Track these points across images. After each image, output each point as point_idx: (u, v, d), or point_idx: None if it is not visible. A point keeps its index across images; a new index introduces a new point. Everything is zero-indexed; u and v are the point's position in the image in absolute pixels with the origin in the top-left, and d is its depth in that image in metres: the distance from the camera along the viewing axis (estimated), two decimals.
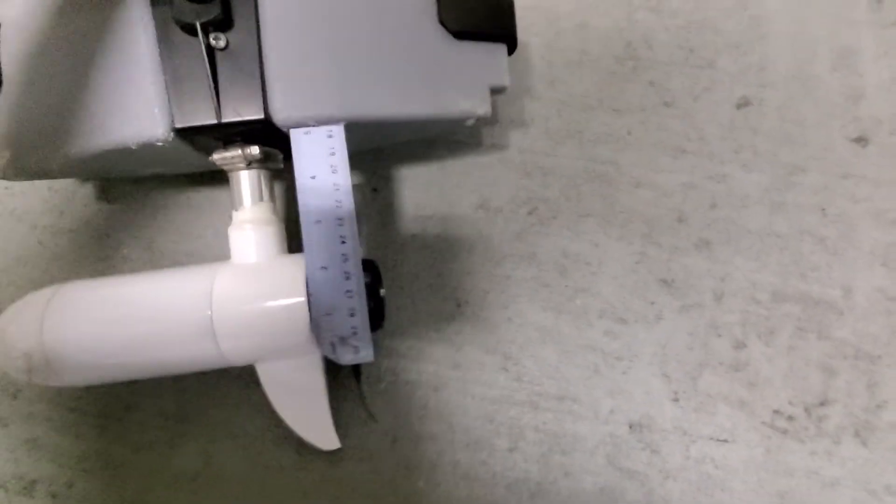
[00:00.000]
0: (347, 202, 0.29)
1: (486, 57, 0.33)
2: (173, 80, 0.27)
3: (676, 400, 0.37)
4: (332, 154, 0.29)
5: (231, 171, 0.32)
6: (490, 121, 0.42)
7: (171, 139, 0.28)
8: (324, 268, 0.29)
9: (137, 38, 0.28)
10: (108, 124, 0.28)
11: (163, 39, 0.27)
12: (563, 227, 0.40)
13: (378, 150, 0.42)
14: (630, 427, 0.37)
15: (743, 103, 0.43)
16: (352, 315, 0.29)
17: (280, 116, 0.28)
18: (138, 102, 0.28)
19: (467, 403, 0.37)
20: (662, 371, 0.38)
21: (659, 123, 0.43)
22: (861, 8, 0.45)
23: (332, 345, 0.29)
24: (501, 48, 0.33)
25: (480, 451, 0.36)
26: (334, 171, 0.29)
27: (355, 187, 0.41)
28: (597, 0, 0.45)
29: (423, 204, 0.41)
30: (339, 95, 0.29)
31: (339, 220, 0.29)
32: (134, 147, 0.28)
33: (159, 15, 0.27)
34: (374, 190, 0.41)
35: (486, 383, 0.38)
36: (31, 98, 0.29)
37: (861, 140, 0.42)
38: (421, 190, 0.42)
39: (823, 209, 0.41)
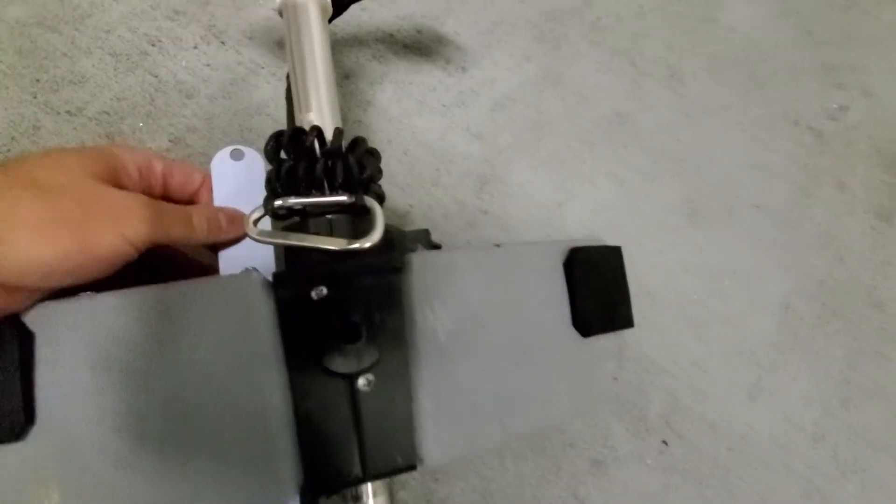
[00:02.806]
0: None
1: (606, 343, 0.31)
2: (307, 431, 0.22)
3: None
4: None
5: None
6: None
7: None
8: None
9: (265, 381, 0.22)
10: (223, 486, 0.22)
11: (298, 382, 0.23)
12: None
13: None
14: None
15: None
16: None
17: (433, 460, 0.24)
18: (261, 461, 0.22)
19: None
20: None
21: None
22: None
23: None
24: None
25: None
26: None
27: None
28: None
29: None
30: (488, 425, 0.26)
31: None
32: None
33: (295, 357, 0.23)
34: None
35: None
36: (101, 440, 0.21)
37: None
38: None
39: None
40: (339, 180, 0.25)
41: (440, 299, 0.25)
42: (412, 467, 0.24)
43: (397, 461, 0.23)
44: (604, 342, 0.30)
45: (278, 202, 0.25)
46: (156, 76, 0.42)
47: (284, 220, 0.26)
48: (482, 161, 0.46)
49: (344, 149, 0.26)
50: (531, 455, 0.38)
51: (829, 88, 0.61)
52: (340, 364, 0.22)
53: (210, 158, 0.29)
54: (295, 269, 0.25)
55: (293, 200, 0.25)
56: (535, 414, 0.27)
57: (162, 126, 0.41)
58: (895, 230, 0.53)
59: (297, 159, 0.25)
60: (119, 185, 0.25)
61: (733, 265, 0.47)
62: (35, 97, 0.40)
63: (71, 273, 0.22)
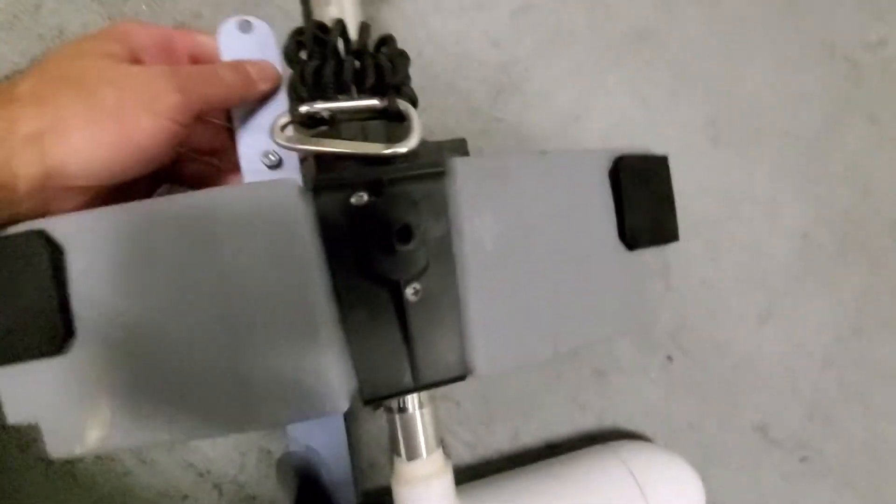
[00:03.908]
0: None
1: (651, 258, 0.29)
2: (356, 340, 0.22)
3: None
4: None
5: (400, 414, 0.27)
6: None
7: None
8: None
9: (312, 290, 0.21)
10: (272, 398, 0.21)
11: (343, 291, 0.22)
12: None
13: None
14: None
15: None
16: None
17: (483, 370, 0.23)
18: (312, 370, 0.21)
19: None
20: None
21: None
22: None
23: None
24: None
25: None
26: None
27: None
28: None
29: None
30: (538, 336, 0.25)
31: None
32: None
33: (338, 266, 0.22)
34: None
35: None
36: (143, 356, 0.21)
37: None
38: None
39: None
40: (371, 82, 0.24)
41: (486, 206, 0.23)
42: (462, 377, 0.23)
43: (448, 371, 0.23)
44: (649, 256, 0.29)
45: (305, 108, 0.23)
46: None
47: (311, 127, 0.25)
48: (499, 68, 0.44)
49: (371, 47, 0.24)
50: None
51: (868, 20, 0.57)
52: (388, 269, 0.21)
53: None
54: (333, 176, 0.23)
55: (321, 105, 0.23)
56: (582, 327, 0.26)
57: (166, 10, 0.39)
58: None
59: (322, 60, 0.23)
60: (139, 63, 0.24)
61: (755, 190, 0.45)
62: None
63: (123, 165, 0.22)
